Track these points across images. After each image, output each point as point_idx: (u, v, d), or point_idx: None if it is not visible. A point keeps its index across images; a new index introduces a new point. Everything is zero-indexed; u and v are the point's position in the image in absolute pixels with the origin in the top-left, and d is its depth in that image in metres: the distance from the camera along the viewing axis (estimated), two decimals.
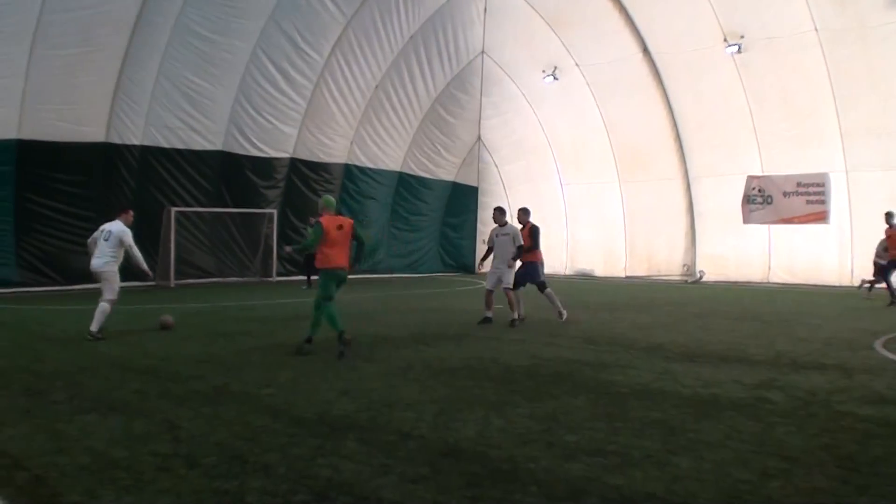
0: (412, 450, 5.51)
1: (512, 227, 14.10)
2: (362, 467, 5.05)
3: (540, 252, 14.49)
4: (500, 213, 14.24)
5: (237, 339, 11.57)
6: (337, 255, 10.19)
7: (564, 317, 14.19)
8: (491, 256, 14.12)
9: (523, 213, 14.77)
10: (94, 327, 11.56)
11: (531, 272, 14.26)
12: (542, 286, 14.32)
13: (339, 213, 10.53)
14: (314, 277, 23.90)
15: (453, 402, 7.10)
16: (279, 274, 26.40)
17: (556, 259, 33.14)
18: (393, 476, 4.87)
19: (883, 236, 19.39)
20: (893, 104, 23.69)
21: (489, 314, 13.98)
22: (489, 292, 14.10)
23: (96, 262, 11.90)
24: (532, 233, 14.22)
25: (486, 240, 14.65)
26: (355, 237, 10.50)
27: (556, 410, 6.74)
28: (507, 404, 6.99)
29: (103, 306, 11.68)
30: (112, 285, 11.87)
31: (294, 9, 24.97)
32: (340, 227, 10.25)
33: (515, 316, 13.55)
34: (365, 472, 4.96)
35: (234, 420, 6.35)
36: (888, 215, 18.61)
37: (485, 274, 15.68)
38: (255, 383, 8.01)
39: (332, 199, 10.73)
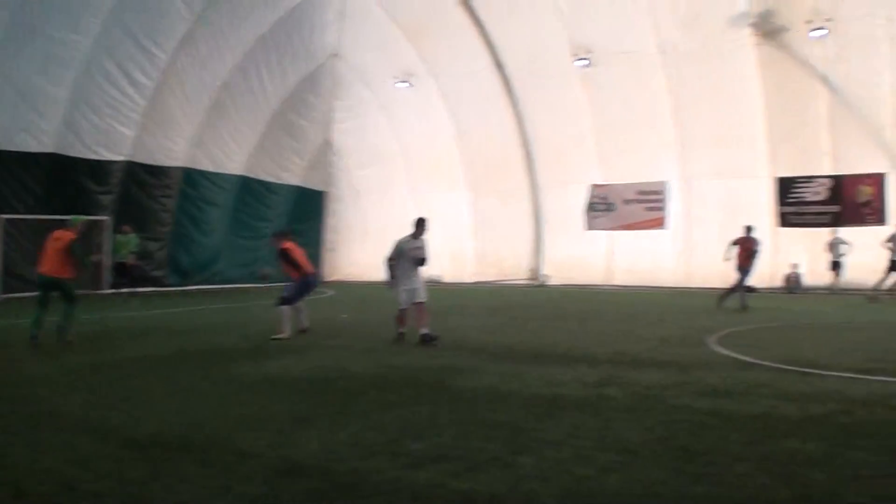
0: (252, 469, 5.31)
1: (423, 239, 12.97)
2: (200, 490, 4.85)
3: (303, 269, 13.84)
4: (421, 224, 13.08)
5: (63, 356, 10.81)
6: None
7: (280, 337, 12.76)
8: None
9: (280, 237, 14.31)
10: None
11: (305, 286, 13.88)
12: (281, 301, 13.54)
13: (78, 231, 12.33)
14: (138, 290, 23.35)
15: (295, 416, 6.90)
16: (110, 286, 25.12)
17: None
18: (231, 497, 4.69)
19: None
20: (728, 117, 25.26)
21: (402, 330, 12.54)
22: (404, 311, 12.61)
23: None
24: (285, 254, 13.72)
25: (392, 253, 13.16)
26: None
27: (403, 419, 6.67)
28: (352, 416, 6.86)
29: None
30: None
31: (138, 4, 23.78)
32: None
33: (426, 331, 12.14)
34: (203, 494, 4.75)
35: (61, 445, 5.95)
36: (748, 229, 18.95)
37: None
38: (84, 404, 7.56)
39: (78, 218, 13.02)
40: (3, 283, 22.30)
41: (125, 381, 8.98)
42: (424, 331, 12.00)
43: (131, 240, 23.08)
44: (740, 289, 18.34)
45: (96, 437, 6.28)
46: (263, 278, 14.92)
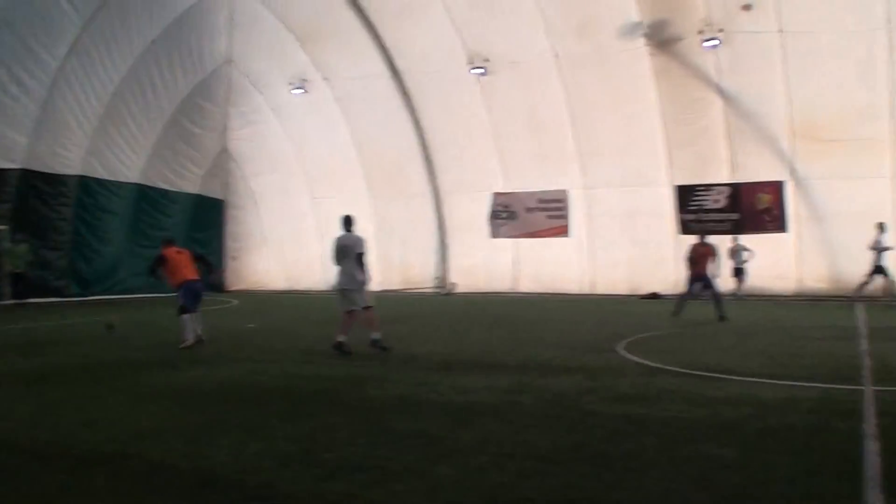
0: (165, 481, 5.19)
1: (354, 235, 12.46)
2: (113, 503, 4.72)
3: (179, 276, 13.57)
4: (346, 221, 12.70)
5: None
6: None
7: (186, 345, 12.79)
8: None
9: (163, 244, 14.19)
10: None
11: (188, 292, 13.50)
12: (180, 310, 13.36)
13: None
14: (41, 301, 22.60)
15: (206, 427, 6.75)
16: (11, 297, 24.24)
17: (311, 275, 32.82)
18: None
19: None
20: (626, 125, 25.64)
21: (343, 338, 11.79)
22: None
23: None
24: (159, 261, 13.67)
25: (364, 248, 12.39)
26: None
27: (315, 429, 6.56)
28: (264, 427, 6.72)
29: None
30: None
31: (27, 8, 22.97)
32: None
33: (341, 339, 11.67)
34: None
35: None
36: (702, 235, 18.66)
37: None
38: None
39: None
40: None
41: (30, 393, 8.73)
42: (343, 339, 11.64)
43: (24, 250, 22.40)
44: (688, 297, 18.11)
45: (4, 450, 6.12)
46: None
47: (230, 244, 34.76)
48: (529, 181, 28.24)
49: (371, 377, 9.34)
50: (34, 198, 25.96)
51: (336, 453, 5.77)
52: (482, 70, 26.78)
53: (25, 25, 23.49)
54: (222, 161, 33.69)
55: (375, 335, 11.71)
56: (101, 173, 28.22)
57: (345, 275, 12.03)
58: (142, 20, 26.69)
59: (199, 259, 14.46)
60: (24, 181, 25.48)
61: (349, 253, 12.00)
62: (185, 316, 13.13)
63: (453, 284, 29.75)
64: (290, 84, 30.53)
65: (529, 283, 28.61)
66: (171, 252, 13.77)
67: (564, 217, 27.88)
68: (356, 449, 5.89)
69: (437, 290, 29.85)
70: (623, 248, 26.40)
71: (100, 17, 25.24)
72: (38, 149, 25.59)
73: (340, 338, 11.61)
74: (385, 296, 28.53)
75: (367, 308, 11.95)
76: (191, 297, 13.43)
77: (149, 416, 7.31)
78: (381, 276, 31.08)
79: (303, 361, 11.04)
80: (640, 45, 24.50)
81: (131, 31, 26.62)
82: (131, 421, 7.12)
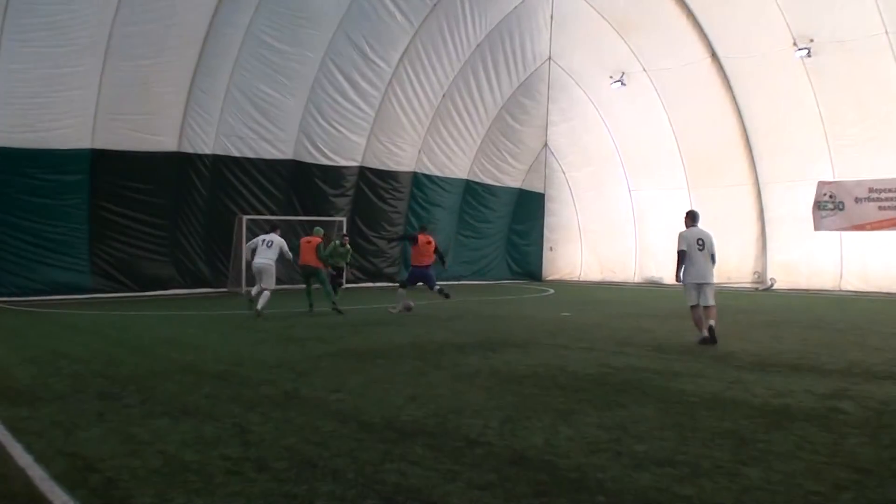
0: (479, 456, 5.48)
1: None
2: (430, 473, 5.06)
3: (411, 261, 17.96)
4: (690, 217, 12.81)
5: (307, 344, 11.76)
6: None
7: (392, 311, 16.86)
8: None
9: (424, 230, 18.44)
10: (260, 306, 15.89)
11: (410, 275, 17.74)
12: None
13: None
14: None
15: (520, 409, 7.06)
16: (347, 281, 26.55)
17: (625, 266, 32.86)
18: (460, 482, 4.86)
19: None
20: None
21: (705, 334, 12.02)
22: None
23: (261, 261, 16.25)
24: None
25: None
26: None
27: (625, 419, 6.64)
28: (575, 413, 6.92)
29: (266, 293, 16.05)
30: (272, 278, 16.32)
31: (362, 19, 25.23)
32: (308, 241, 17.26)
33: (705, 334, 11.92)
34: (433, 477, 4.96)
35: (303, 425, 6.41)
36: None
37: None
38: (325, 388, 8.08)
39: (320, 230, 18.04)
40: (247, 276, 24.02)
41: (361, 367, 9.59)
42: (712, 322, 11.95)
43: (348, 251, 24.52)
44: None
45: (335, 419, 6.70)
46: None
47: (548, 235, 35.62)
48: (859, 169, 26.16)
49: (684, 372, 9.27)
50: (370, 192, 28.32)
51: (646, 445, 5.80)
52: (807, 51, 25.34)
53: (360, 35, 25.67)
54: (542, 156, 34.62)
55: (711, 322, 11.91)
56: (431, 170, 30.27)
57: (696, 269, 12.22)
58: (468, 24, 28.14)
59: (437, 252, 17.90)
60: (361, 177, 27.87)
61: (702, 247, 12.24)
62: (401, 290, 17.01)
63: (773, 280, 28.48)
64: (611, 77, 30.76)
65: (856, 280, 26.63)
66: (422, 239, 17.51)
67: None
68: (666, 443, 5.88)
69: (755, 286, 28.71)
70: None
71: (429, 23, 26.96)
72: (373, 148, 27.93)
73: (705, 332, 11.80)
74: None
75: (708, 307, 12.02)
76: (413, 278, 17.45)
77: (467, 395, 7.79)
78: None
79: (616, 352, 11.15)
80: None
81: (459, 35, 28.15)
82: (451, 398, 7.61)
